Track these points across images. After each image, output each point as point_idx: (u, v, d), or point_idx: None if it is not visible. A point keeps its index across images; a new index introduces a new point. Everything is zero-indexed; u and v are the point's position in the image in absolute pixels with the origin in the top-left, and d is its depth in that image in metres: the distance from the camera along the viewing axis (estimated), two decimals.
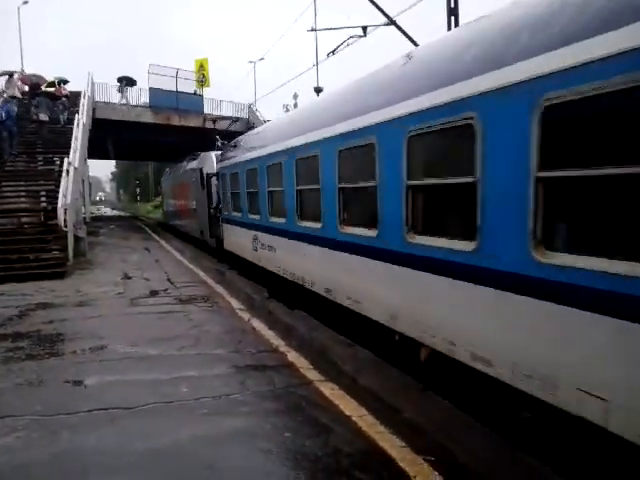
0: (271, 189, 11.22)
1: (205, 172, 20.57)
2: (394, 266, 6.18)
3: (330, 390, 5.37)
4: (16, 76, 25.76)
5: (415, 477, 3.67)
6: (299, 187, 9.33)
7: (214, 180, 19.05)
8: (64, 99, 24.49)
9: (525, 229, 4.07)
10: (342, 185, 7.48)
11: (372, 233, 6.64)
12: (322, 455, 4.01)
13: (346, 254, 7.43)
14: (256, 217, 12.48)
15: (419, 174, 5.75)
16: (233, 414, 4.85)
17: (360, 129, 6.83)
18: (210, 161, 19.93)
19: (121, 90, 34.21)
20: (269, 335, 7.57)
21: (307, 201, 9.26)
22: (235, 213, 15.08)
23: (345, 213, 7.53)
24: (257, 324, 8.23)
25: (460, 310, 4.99)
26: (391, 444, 4.15)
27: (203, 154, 22.32)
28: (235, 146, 15.59)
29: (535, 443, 4.37)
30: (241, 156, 14.09)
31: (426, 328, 5.54)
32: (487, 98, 4.51)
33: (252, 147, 13.10)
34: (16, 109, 20.27)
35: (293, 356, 6.55)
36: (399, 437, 4.26)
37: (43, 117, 22.19)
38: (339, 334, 7.68)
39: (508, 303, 4.36)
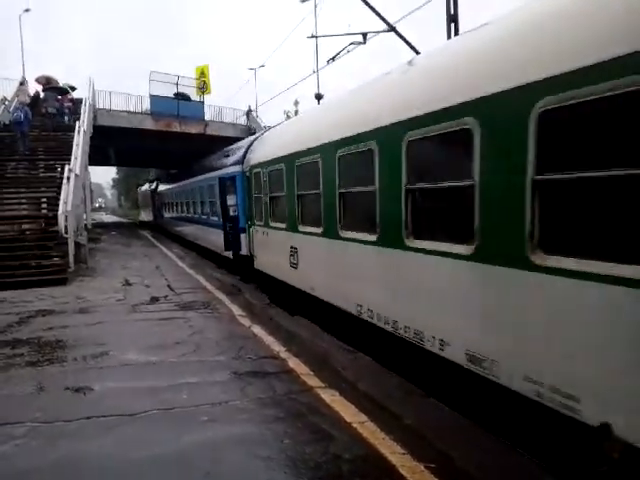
0: (172, 201, 31.23)
1: (155, 191, 39.99)
2: (210, 228, 19.46)
3: (331, 397, 5.35)
4: (26, 83, 26.79)
5: None
6: (192, 199, 24.43)
7: (157, 196, 39.38)
8: (70, 104, 25.81)
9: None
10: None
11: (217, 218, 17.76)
12: (322, 462, 3.99)
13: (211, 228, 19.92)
14: (173, 214, 30.88)
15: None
16: (233, 421, 4.83)
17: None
18: (157, 185, 39.96)
19: None
20: (270, 341, 7.56)
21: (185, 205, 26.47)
22: (164, 211, 35.63)
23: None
24: (258, 330, 8.21)
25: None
26: (392, 451, 4.13)
27: (156, 181, 42.27)
28: (168, 177, 37.80)
29: (539, 448, 4.35)
30: (168, 185, 33.90)
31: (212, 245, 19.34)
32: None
33: (172, 180, 33.01)
34: (30, 113, 21.46)
35: (294, 362, 6.52)
36: (400, 444, 4.24)
37: (52, 110, 24.01)
38: (340, 340, 7.69)
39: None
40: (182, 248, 24.19)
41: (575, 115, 3.84)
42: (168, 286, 12.68)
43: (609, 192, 3.66)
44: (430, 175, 5.73)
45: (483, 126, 4.67)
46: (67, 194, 16.21)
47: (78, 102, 26.16)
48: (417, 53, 12.91)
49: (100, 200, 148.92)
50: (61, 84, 27.44)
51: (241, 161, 14.64)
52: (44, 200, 17.76)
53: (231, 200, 15.16)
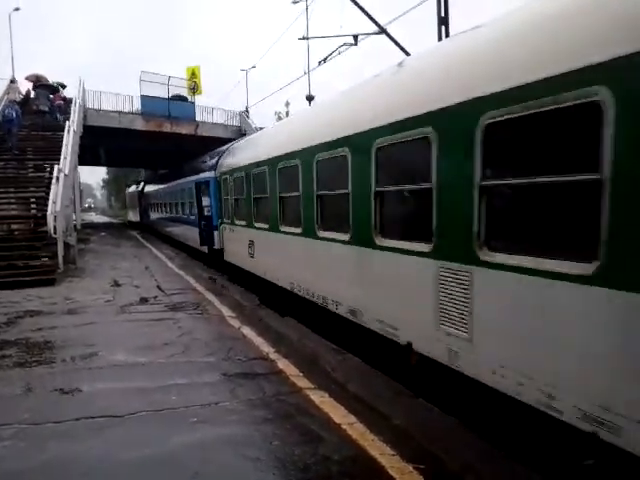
0: (156, 202, 34.11)
1: (142, 192, 42.67)
2: (189, 226, 21.86)
3: (320, 398, 5.36)
4: (16, 82, 26.99)
5: None
6: (162, 201, 31.11)
7: (143, 197, 42.21)
8: (61, 101, 25.80)
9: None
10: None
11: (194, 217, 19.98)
12: (311, 463, 4.00)
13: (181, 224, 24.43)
14: (157, 214, 33.64)
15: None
16: (222, 422, 4.84)
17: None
18: (143, 187, 42.55)
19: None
20: (259, 342, 7.56)
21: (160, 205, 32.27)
22: (150, 211, 37.98)
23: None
24: (247, 331, 8.21)
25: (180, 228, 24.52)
26: (381, 452, 4.16)
27: (141, 184, 45.31)
28: (154, 179, 39.53)
29: (527, 449, 4.39)
30: (152, 187, 36.65)
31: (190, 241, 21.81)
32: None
33: (156, 182, 35.43)
34: (20, 112, 21.53)
35: (283, 363, 6.54)
36: (389, 445, 4.27)
37: (43, 107, 24.46)
38: (329, 341, 7.71)
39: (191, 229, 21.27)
40: (172, 249, 24.12)
41: (390, 152, 6.18)
42: (157, 287, 12.64)
43: (399, 198, 6.30)
44: (329, 185, 7.92)
45: (353, 153, 6.98)
46: (56, 194, 16.09)
47: (69, 101, 26.05)
48: (407, 55, 12.97)
49: (90, 200, 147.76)
50: (51, 82, 27.35)
51: (214, 167, 16.98)
52: (33, 200, 17.61)
53: (206, 201, 17.91)
